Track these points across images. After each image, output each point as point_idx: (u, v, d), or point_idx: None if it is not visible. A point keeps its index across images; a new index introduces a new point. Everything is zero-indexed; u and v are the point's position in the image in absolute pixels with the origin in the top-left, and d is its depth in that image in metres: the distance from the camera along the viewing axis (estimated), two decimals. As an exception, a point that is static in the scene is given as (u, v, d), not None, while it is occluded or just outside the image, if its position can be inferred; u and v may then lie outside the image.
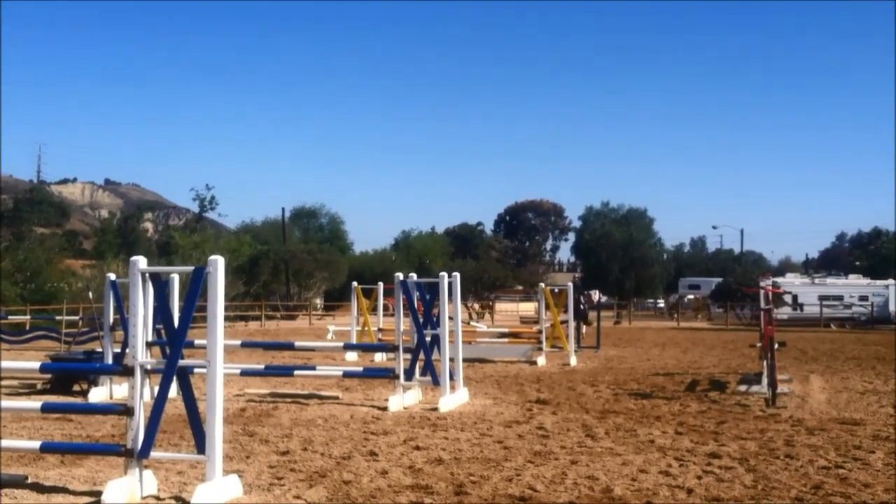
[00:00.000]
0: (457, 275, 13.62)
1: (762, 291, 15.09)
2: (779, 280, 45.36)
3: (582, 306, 27.38)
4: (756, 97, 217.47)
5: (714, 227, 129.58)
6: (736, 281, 56.87)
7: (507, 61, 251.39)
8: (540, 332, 21.16)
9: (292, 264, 64.38)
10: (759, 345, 15.07)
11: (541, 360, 19.84)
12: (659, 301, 75.96)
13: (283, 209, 74.92)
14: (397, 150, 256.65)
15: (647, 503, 6.79)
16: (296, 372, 13.82)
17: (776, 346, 13.96)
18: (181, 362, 6.98)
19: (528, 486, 7.29)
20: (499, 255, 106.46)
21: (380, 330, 22.53)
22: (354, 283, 23.73)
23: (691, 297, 62.22)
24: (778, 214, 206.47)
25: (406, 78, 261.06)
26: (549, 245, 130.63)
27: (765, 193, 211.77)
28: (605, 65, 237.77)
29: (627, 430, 10.33)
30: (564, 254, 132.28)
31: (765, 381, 13.59)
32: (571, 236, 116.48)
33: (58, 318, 27.38)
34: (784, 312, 42.79)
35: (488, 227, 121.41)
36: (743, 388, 14.60)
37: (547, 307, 21.97)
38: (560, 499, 6.90)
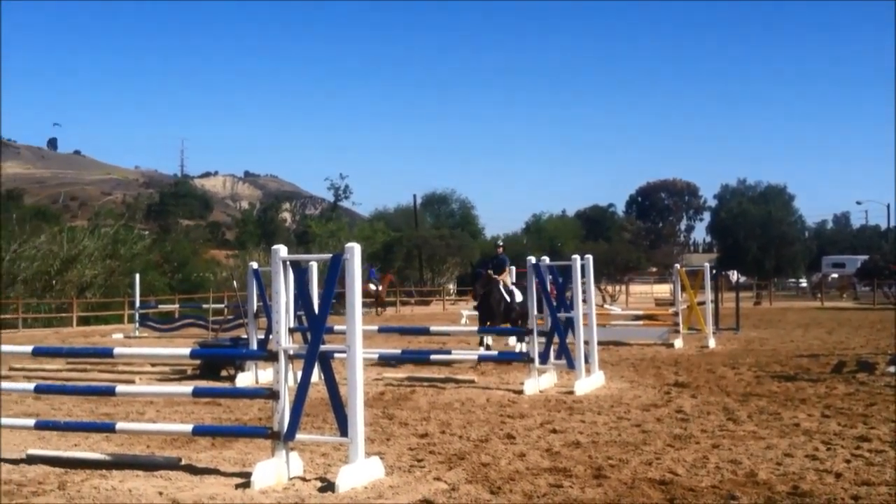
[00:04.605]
0: (589, 257, 13.51)
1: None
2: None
3: (508, 298, 17.27)
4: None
5: (858, 203, 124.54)
6: (883, 258, 54.50)
7: (636, 41, 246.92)
8: (676, 313, 20.77)
9: (425, 250, 65.20)
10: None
11: (678, 343, 19.49)
12: (801, 280, 73.35)
13: (414, 196, 75.86)
14: (527, 134, 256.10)
15: (793, 487, 6.60)
16: (432, 356, 13.99)
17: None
18: (322, 347, 7.17)
19: (668, 470, 7.19)
20: (631, 237, 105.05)
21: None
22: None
23: (835, 275, 59.82)
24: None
25: (535, 62, 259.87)
26: (683, 225, 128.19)
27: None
28: (738, 37, 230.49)
29: (771, 414, 10.05)
30: (699, 234, 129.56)
31: (917, 362, 12.97)
32: (707, 216, 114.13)
33: (204, 306, 28.60)
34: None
35: (620, 209, 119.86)
36: (892, 369, 13.96)
37: (683, 289, 21.54)
38: (702, 483, 6.78)
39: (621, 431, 9.03)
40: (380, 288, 39.11)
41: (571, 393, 11.89)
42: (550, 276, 13.36)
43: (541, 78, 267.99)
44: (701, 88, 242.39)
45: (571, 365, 12.62)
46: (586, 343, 12.87)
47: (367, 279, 38.56)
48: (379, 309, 38.61)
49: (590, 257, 13.53)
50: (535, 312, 13.01)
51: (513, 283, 17.75)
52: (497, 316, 16.79)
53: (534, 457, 7.79)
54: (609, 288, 53.37)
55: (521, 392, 12.04)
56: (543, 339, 12.91)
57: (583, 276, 13.06)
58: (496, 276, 17.15)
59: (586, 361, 12.69)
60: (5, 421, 9.12)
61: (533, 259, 13.23)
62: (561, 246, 77.18)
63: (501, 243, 19.13)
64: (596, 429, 9.20)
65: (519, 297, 17.13)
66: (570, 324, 12.93)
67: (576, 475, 7.04)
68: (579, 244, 76.78)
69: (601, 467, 7.30)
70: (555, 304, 12.95)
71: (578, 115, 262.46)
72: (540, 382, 12.48)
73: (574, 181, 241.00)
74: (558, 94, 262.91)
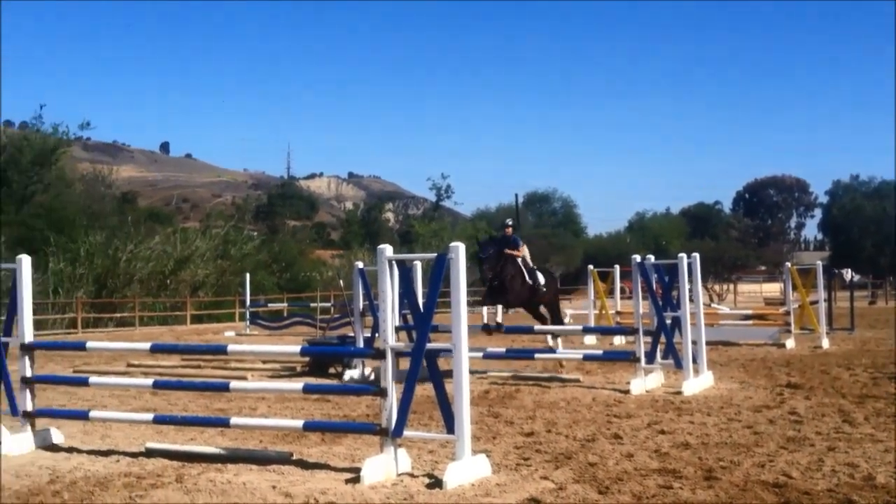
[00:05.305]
0: (696, 255, 13.29)
1: None
2: None
3: (531, 280, 14.58)
4: None
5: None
6: None
7: (742, 39, 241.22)
8: (787, 313, 20.21)
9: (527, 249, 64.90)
10: None
11: (789, 343, 18.97)
12: (920, 279, 70.43)
13: (515, 195, 75.72)
14: (631, 132, 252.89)
15: (914, 493, 6.36)
16: (536, 355, 13.94)
17: None
18: (428, 346, 7.23)
19: (782, 473, 7.01)
20: (739, 235, 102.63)
21: (617, 313, 22.32)
22: (590, 267, 23.65)
23: (957, 273, 57.28)
24: None
25: (640, 61, 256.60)
26: (793, 223, 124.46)
27: None
28: (846, 27, 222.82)
29: (889, 416, 9.69)
30: (811, 231, 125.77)
31: None
32: (818, 213, 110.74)
33: (312, 304, 29.16)
34: None
35: (727, 206, 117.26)
36: None
37: (794, 288, 20.96)
38: (817, 486, 6.60)
39: (732, 433, 8.85)
40: None
41: (679, 393, 11.70)
42: (656, 275, 13.18)
43: (645, 76, 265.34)
44: (811, 84, 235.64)
45: (679, 365, 12.42)
46: (694, 343, 12.66)
47: None
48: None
49: (696, 255, 13.31)
50: (640, 312, 12.86)
51: (534, 266, 15.07)
52: (509, 292, 14.01)
53: (642, 457, 7.70)
54: (716, 287, 52.33)
55: (627, 392, 11.91)
56: (649, 339, 12.75)
57: (689, 274, 12.84)
58: (512, 252, 14.39)
59: (694, 361, 12.48)
60: (125, 416, 9.52)
61: (638, 258, 13.08)
62: (666, 244, 76.02)
63: (510, 222, 15.63)
64: (705, 430, 9.04)
65: (541, 279, 14.88)
66: (676, 323, 12.75)
67: (686, 476, 6.94)
68: (685, 242, 75.42)
69: (712, 469, 7.17)
70: (660, 303, 12.77)
71: (684, 111, 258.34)
72: (647, 382, 12.32)
73: (679, 179, 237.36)
74: (663, 91, 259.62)
